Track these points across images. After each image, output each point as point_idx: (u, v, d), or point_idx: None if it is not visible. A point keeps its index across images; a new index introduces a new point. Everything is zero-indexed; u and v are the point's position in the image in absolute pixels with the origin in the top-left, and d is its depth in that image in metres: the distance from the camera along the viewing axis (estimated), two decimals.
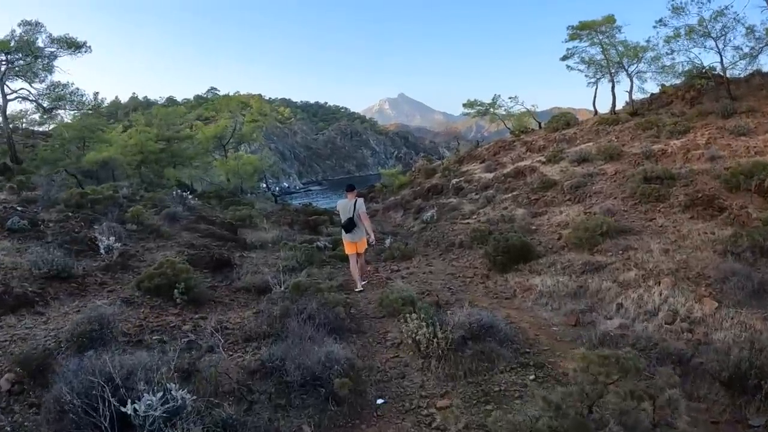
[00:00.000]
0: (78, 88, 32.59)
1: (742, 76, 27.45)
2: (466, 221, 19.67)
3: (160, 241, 14.81)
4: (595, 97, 35.52)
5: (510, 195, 21.83)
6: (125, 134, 37.28)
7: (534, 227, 16.36)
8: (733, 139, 19.46)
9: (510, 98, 39.15)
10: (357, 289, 11.15)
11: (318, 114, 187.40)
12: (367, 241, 11.38)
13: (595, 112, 35.38)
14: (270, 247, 16.16)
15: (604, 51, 33.19)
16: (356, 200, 11.24)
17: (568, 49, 35.27)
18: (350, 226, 11.06)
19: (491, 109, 39.51)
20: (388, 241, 16.60)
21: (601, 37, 32.89)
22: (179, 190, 22.74)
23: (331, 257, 14.91)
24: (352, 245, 11.29)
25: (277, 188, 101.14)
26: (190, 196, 22.25)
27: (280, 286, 9.73)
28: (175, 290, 9.04)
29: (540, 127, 36.85)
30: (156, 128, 37.03)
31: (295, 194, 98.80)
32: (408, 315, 7.41)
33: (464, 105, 40.31)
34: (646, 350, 7.37)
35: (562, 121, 33.39)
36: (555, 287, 10.77)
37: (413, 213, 24.98)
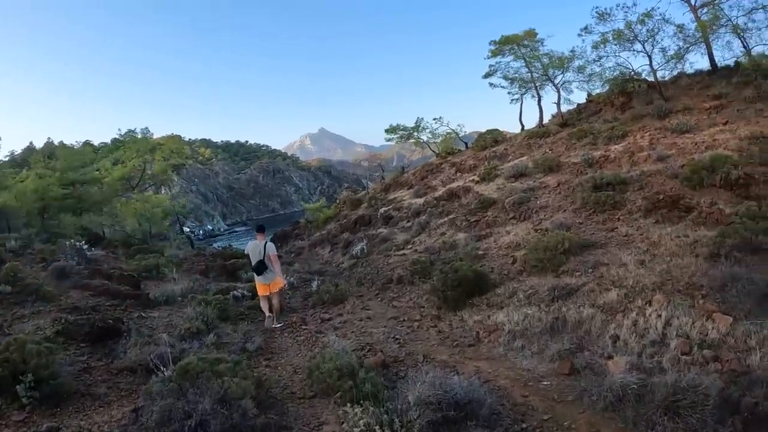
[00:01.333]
0: None
1: (667, 78, 27.36)
2: (402, 252, 17.55)
3: (40, 305, 11.80)
4: (521, 112, 34.63)
5: (446, 219, 19.91)
6: (26, 179, 33.10)
7: (481, 252, 14.40)
8: (677, 137, 18.53)
9: (435, 119, 37.62)
10: (273, 325, 10.65)
11: (239, 153, 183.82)
12: (280, 284, 11.00)
13: (522, 127, 34.37)
14: (179, 302, 13.35)
15: (528, 64, 32.44)
16: (266, 242, 10.89)
17: (490, 66, 34.43)
18: (261, 268, 10.67)
19: (415, 133, 37.78)
20: (315, 283, 14.13)
21: (524, 51, 32.18)
22: (74, 241, 19.56)
23: (251, 308, 12.40)
24: (265, 287, 10.86)
25: (201, 231, 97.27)
26: (86, 246, 19.15)
27: (166, 367, 6.62)
28: (19, 385, 6.33)
29: (467, 147, 35.41)
30: (59, 172, 33.01)
31: (219, 237, 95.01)
32: (348, 406, 5.19)
33: (387, 131, 38.40)
34: (679, 401, 5.36)
35: (490, 138, 32.19)
36: (526, 323, 8.67)
37: (342, 248, 22.77)
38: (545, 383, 6.80)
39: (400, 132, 37.99)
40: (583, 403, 5.96)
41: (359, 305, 12.36)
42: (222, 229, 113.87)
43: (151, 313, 11.81)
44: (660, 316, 7.64)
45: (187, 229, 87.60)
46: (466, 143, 36.51)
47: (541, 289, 10.23)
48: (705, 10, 25.70)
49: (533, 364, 7.45)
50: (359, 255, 19.29)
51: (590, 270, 10.63)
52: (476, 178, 23.78)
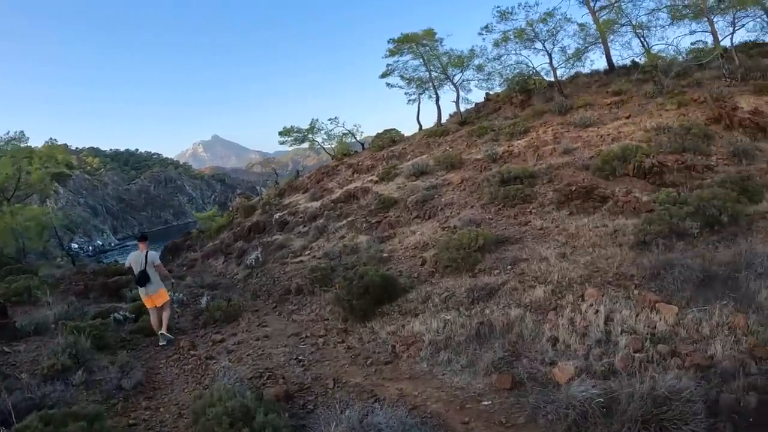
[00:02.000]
0: None
1: (565, 78, 27.95)
2: (299, 259, 16.00)
3: None
4: (418, 112, 34.27)
5: (345, 222, 18.62)
6: None
7: (386, 254, 13.15)
8: (581, 131, 18.39)
9: (330, 120, 36.22)
10: (161, 343, 9.67)
11: (129, 162, 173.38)
12: (164, 296, 10.11)
13: (420, 127, 33.77)
14: (51, 330, 11.04)
15: (426, 63, 31.87)
16: (147, 251, 10.16)
17: (388, 65, 33.47)
18: (143, 279, 9.93)
19: (309, 135, 35.99)
20: (204, 299, 12.32)
21: (423, 50, 31.60)
22: None
23: (134, 333, 10.50)
24: (149, 300, 10.05)
25: (90, 247, 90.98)
26: None
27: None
28: None
29: (363, 148, 34.34)
30: None
31: (110, 252, 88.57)
32: None
33: (280, 133, 36.18)
34: (663, 414, 4.33)
35: (387, 138, 31.24)
36: (447, 331, 7.43)
37: (235, 257, 21.06)
38: (486, 403, 5.57)
39: (294, 134, 35.92)
40: (539, 425, 4.82)
41: (255, 322, 10.78)
42: (112, 244, 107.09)
43: (17, 346, 9.60)
44: (598, 311, 6.69)
45: (76, 246, 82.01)
46: (362, 144, 35.38)
47: (458, 290, 9.13)
48: (604, 13, 26.27)
49: (466, 381, 6.17)
50: (254, 264, 17.56)
51: (509, 267, 9.69)
52: (375, 179, 22.66)
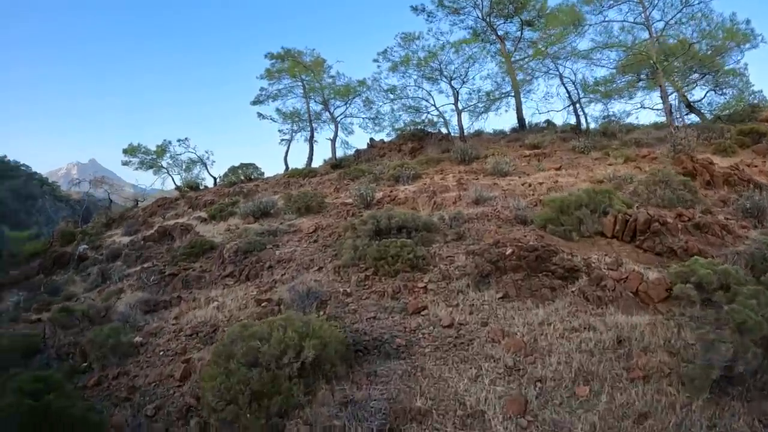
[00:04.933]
0: None
1: (467, 132, 24.04)
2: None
3: None
4: (287, 151, 27.60)
5: (139, 268, 12.91)
6: None
7: (138, 339, 6.84)
8: (498, 179, 13.30)
9: (179, 141, 29.02)
10: None
11: None
12: None
13: (287, 167, 27.26)
14: None
15: (306, 92, 26.16)
16: None
17: (262, 89, 27.31)
18: None
19: (158, 159, 28.69)
20: None
21: (306, 78, 25.95)
22: None
23: None
24: None
25: None
26: None
27: None
28: None
29: (215, 183, 27.50)
30: None
31: None
32: None
33: (125, 151, 28.44)
34: None
35: (242, 173, 24.88)
36: None
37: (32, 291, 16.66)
38: None
39: (141, 155, 28.62)
40: None
41: None
42: None
43: None
44: None
45: None
46: (215, 179, 28.46)
47: None
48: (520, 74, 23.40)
49: None
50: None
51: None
52: (204, 216, 16.97)
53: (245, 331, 5.00)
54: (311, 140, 26.57)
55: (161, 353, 6.41)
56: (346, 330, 5.70)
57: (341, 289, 7.32)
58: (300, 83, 26.15)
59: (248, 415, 4.27)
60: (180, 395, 5.20)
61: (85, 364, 6.36)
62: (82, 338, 7.03)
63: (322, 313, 6.33)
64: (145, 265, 12.81)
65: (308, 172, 21.80)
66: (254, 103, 27.60)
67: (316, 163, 26.38)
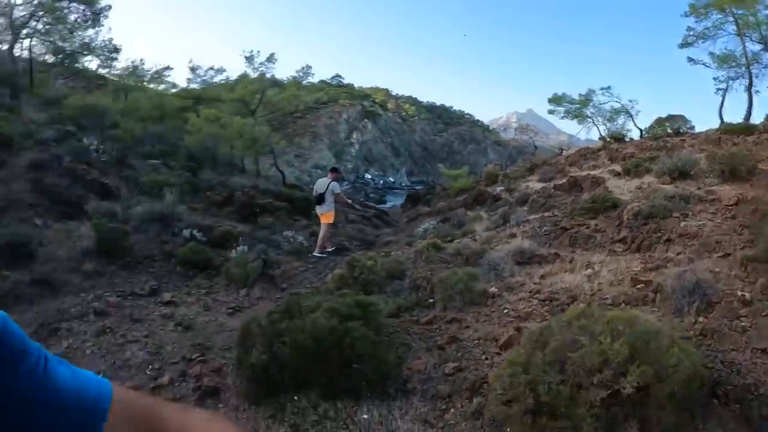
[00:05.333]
0: None
1: None
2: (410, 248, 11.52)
3: None
4: (722, 103, 24.28)
5: (537, 216, 13.06)
6: None
7: (495, 290, 6.87)
8: None
9: (602, 89, 28.36)
10: (315, 253, 11.95)
11: (442, 116, 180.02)
12: (328, 218, 12.35)
13: (722, 121, 23.99)
14: None
15: (741, 29, 21.86)
16: (331, 181, 12.51)
17: (689, 29, 23.94)
18: (319, 200, 12.33)
19: (583, 109, 28.90)
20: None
21: (737, 11, 21.65)
22: None
23: None
24: (318, 217, 12.72)
25: (381, 181, 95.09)
26: None
27: None
28: None
29: (641, 136, 26.02)
30: None
31: (397, 190, 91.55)
32: None
33: (549, 101, 29.70)
34: None
35: (667, 126, 22.92)
36: None
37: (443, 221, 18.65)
38: None
39: (566, 104, 29.47)
40: None
41: None
42: (403, 184, 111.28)
43: None
44: None
45: (369, 176, 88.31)
46: (641, 130, 27.21)
47: None
48: None
49: None
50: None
51: None
52: (618, 169, 16.38)
53: (579, 321, 3.98)
54: (749, 89, 22.90)
55: (505, 311, 6.19)
56: (716, 358, 4.12)
57: (739, 293, 5.37)
58: (732, 18, 22.67)
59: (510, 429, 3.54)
60: (488, 365, 4.91)
61: (431, 300, 6.70)
62: (434, 276, 7.43)
63: (701, 319, 4.93)
64: (546, 214, 12.96)
65: (744, 128, 19.15)
66: (682, 45, 24.54)
67: (758, 117, 22.75)
